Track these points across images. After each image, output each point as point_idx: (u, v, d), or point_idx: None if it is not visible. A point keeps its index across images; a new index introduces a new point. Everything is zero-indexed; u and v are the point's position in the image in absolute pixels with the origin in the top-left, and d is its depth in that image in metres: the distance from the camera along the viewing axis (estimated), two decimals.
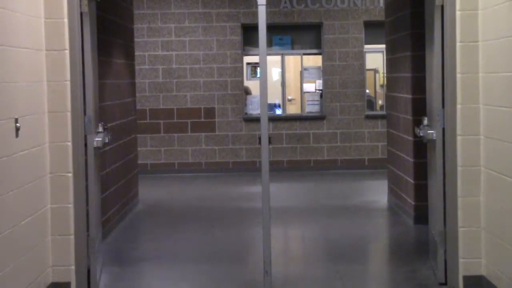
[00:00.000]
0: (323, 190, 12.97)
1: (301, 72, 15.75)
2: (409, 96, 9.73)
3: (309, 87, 15.87)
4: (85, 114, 6.64)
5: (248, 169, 14.77)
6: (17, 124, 5.78)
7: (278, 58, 15.55)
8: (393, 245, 9.11)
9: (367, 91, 15.64)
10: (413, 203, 9.61)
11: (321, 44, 15.38)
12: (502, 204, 6.08)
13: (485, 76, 6.39)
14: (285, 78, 15.74)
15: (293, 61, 16.41)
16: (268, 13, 14.38)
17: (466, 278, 6.54)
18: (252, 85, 16.11)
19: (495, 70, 6.16)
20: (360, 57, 15.30)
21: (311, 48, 15.53)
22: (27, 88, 6.08)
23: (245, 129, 15.00)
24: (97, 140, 6.87)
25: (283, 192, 12.38)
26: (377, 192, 12.11)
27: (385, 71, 12.92)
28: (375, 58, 15.67)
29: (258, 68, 15.40)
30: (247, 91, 15.84)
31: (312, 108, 15.49)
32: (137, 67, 13.53)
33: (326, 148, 15.19)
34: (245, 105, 15.39)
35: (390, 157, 11.29)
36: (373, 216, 10.50)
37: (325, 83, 15.32)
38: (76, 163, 6.53)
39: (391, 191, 11.09)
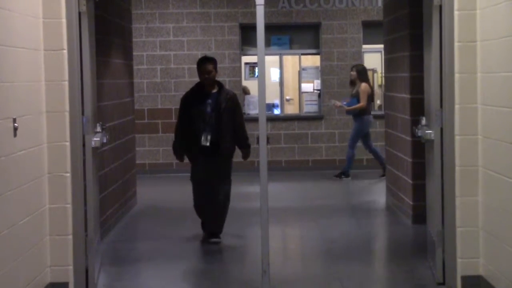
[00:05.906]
0: (322, 190, 12.97)
1: (299, 72, 15.75)
2: (407, 96, 9.73)
3: (307, 87, 15.86)
4: (83, 114, 6.64)
5: (247, 169, 14.74)
6: (15, 124, 5.77)
7: (276, 58, 15.55)
8: (391, 245, 9.11)
9: None
10: (411, 203, 9.61)
11: (319, 44, 15.38)
12: (500, 204, 6.08)
13: (483, 76, 6.39)
14: (283, 78, 15.74)
15: (291, 61, 16.41)
16: (266, 13, 14.37)
17: (464, 278, 6.54)
18: (250, 85, 16.10)
19: (494, 70, 6.16)
20: (358, 57, 15.30)
21: (309, 48, 15.53)
22: (25, 88, 6.08)
23: None
24: (95, 140, 6.86)
25: (281, 192, 12.38)
26: (375, 192, 12.11)
27: (383, 71, 12.92)
28: (373, 58, 15.68)
29: (256, 68, 15.40)
30: (245, 91, 15.84)
31: (310, 108, 15.49)
32: (135, 67, 13.50)
33: (324, 148, 15.19)
34: (243, 105, 15.38)
35: (388, 157, 11.29)
36: (371, 216, 10.50)
37: (323, 83, 15.32)
38: (74, 163, 6.53)
39: (389, 191, 11.09)
